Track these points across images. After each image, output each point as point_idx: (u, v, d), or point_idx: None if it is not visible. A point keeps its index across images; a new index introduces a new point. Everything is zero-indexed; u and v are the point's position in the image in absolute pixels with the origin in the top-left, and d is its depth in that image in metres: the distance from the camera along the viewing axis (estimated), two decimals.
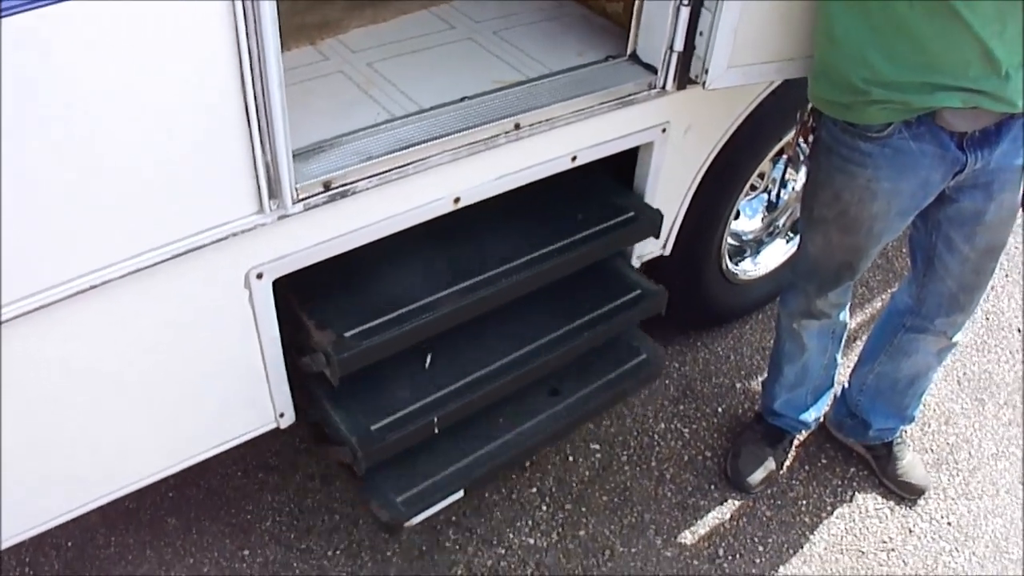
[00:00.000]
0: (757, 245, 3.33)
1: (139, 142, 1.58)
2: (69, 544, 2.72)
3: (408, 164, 1.96)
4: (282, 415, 2.23)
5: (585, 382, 2.59)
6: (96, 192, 1.58)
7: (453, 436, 2.40)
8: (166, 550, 2.71)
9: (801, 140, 2.35)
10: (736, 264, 3.23)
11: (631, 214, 2.50)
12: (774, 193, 3.26)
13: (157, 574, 2.65)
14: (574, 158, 2.27)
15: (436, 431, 2.27)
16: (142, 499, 2.81)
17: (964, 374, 3.36)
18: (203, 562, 2.68)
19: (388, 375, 2.30)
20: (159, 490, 2.83)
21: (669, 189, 2.59)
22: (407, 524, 2.29)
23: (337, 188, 1.89)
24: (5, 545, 1.97)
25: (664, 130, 2.39)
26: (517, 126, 2.09)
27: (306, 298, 2.16)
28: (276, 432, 2.49)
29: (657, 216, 2.52)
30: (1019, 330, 3.56)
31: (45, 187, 1.52)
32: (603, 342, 2.62)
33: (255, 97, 1.64)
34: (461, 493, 2.35)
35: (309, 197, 1.86)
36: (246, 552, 2.71)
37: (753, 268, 3.30)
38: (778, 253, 3.32)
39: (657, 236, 2.59)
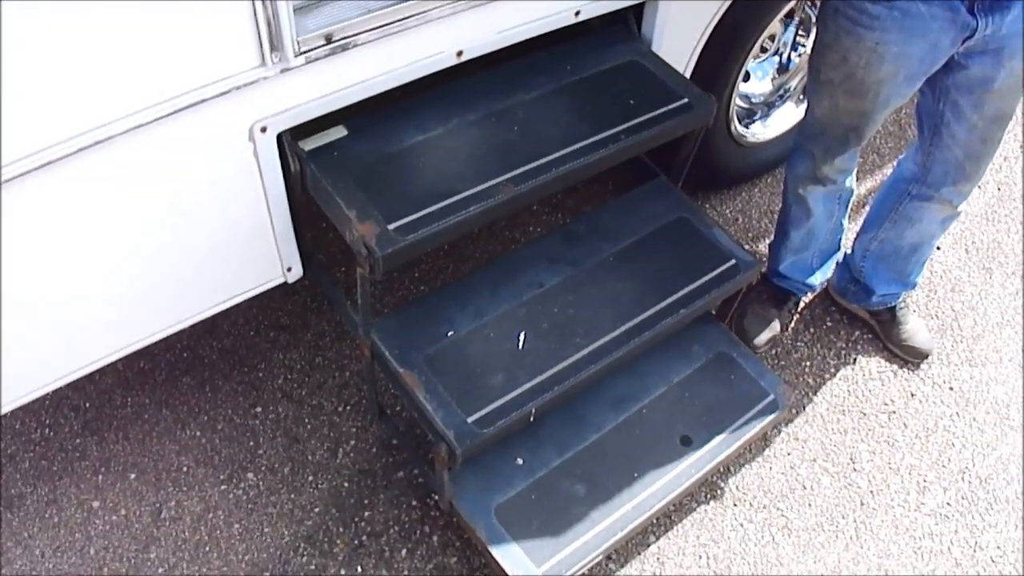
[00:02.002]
0: (767, 108, 3.30)
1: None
2: (87, 405, 2.79)
3: (408, 17, 1.96)
4: (290, 269, 2.25)
5: (715, 429, 2.48)
6: (98, 46, 1.58)
7: (590, 496, 2.32)
8: (181, 408, 2.78)
9: (808, 2, 2.31)
10: (746, 127, 3.21)
11: (685, 100, 2.40)
12: (785, 56, 3.22)
13: (173, 431, 2.73)
14: (577, 13, 2.24)
15: (532, 419, 2.16)
16: (156, 360, 2.88)
17: (972, 243, 3.36)
18: (217, 419, 2.75)
19: (478, 357, 2.21)
20: (173, 350, 2.89)
21: (675, 47, 2.56)
22: None
23: (338, 41, 1.89)
24: (22, 402, 2.02)
25: None
26: None
27: (345, 187, 2.07)
28: (288, 291, 2.54)
29: (711, 103, 2.42)
30: None
31: (45, 43, 1.52)
32: (725, 369, 2.59)
33: None
34: (600, 558, 2.27)
35: (311, 50, 1.86)
36: (258, 409, 2.77)
37: (763, 131, 3.27)
38: (788, 116, 3.29)
39: (710, 125, 2.49)
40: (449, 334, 2.24)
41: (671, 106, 2.37)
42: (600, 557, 2.27)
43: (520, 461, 2.22)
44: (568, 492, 2.32)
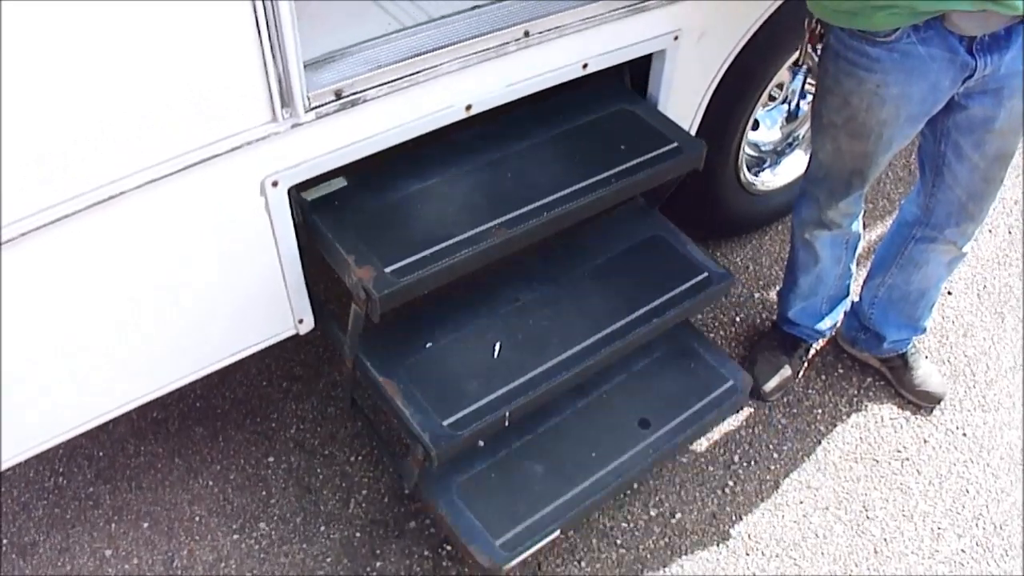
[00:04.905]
0: (776, 156, 3.31)
1: (154, 54, 1.60)
2: (100, 454, 2.81)
3: (418, 72, 1.98)
4: (301, 321, 2.27)
5: (674, 413, 2.56)
6: (113, 101, 1.60)
7: (548, 474, 2.42)
8: (193, 458, 2.79)
9: (811, 47, 2.34)
10: (755, 175, 3.23)
11: (675, 144, 2.45)
12: (793, 103, 3.24)
13: (185, 480, 2.73)
14: (585, 65, 2.27)
15: (507, 424, 2.24)
16: (169, 409, 2.89)
17: (984, 287, 3.36)
18: (229, 469, 2.76)
19: (455, 366, 2.30)
20: (186, 400, 2.91)
21: (683, 97, 2.59)
22: (507, 567, 2.25)
23: (348, 96, 1.92)
24: (36, 452, 2.03)
25: (676, 37, 2.38)
26: (527, 33, 2.09)
27: (344, 233, 2.14)
28: (300, 342, 2.55)
29: (701, 147, 2.47)
30: None
31: (60, 98, 1.55)
32: (686, 356, 2.66)
33: (265, 9, 1.66)
34: (557, 532, 2.33)
35: (321, 105, 1.89)
36: (271, 459, 2.78)
37: (772, 179, 3.29)
38: (798, 164, 3.30)
39: (701, 168, 2.53)
40: (428, 346, 2.34)
41: (661, 150, 2.43)
42: (557, 531, 2.33)
43: (481, 443, 2.27)
44: (527, 471, 2.42)
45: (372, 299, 2.03)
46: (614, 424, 2.53)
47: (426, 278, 2.08)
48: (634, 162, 2.39)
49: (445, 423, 2.17)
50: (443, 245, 2.13)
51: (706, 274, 2.56)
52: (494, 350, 2.33)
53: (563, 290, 2.50)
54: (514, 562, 2.26)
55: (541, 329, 2.39)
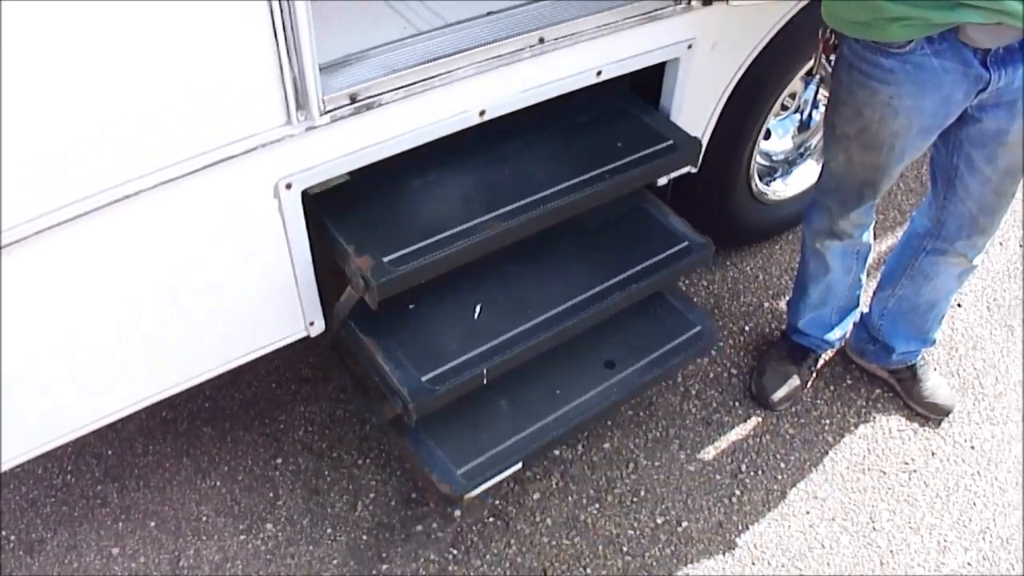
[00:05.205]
0: (788, 165, 3.32)
1: (173, 60, 1.61)
2: (109, 452, 2.82)
3: (433, 77, 1.99)
4: (312, 323, 2.27)
5: (640, 355, 2.60)
6: (130, 103, 1.61)
7: (511, 409, 2.46)
8: (202, 458, 2.80)
9: (824, 58, 2.34)
10: (767, 184, 3.23)
11: (670, 142, 2.48)
12: (806, 113, 3.24)
13: (193, 480, 2.74)
14: (599, 72, 2.27)
15: (484, 382, 2.28)
16: (178, 410, 2.90)
17: (994, 300, 3.36)
18: (237, 470, 2.77)
19: (437, 326, 2.35)
20: (195, 401, 2.92)
21: (696, 105, 2.59)
22: (468, 496, 2.32)
23: (363, 100, 1.92)
24: (46, 449, 2.04)
25: (690, 46, 2.38)
26: (541, 40, 2.10)
27: (345, 224, 2.19)
28: (310, 344, 2.56)
29: (696, 145, 2.52)
30: None
31: (78, 97, 1.55)
32: (654, 304, 2.68)
33: (282, 13, 1.67)
34: (519, 465, 2.38)
35: (336, 109, 1.89)
36: (279, 460, 2.79)
37: (784, 188, 3.29)
38: (809, 174, 3.30)
39: (695, 165, 2.58)
40: (410, 307, 2.38)
41: (657, 147, 2.47)
42: (519, 464, 2.38)
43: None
44: (492, 406, 2.47)
45: (370, 287, 2.09)
46: (579, 364, 2.57)
47: (423, 267, 2.14)
48: (629, 159, 2.43)
49: (424, 378, 2.22)
50: (440, 236, 2.18)
51: (686, 243, 2.59)
52: (475, 312, 2.38)
53: (546, 258, 2.54)
54: (475, 491, 2.33)
55: (522, 293, 2.44)
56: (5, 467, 1.99)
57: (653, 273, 2.51)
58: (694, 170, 2.67)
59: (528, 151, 2.42)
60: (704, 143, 2.71)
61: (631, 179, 2.42)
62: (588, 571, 2.57)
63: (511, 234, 2.26)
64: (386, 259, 2.11)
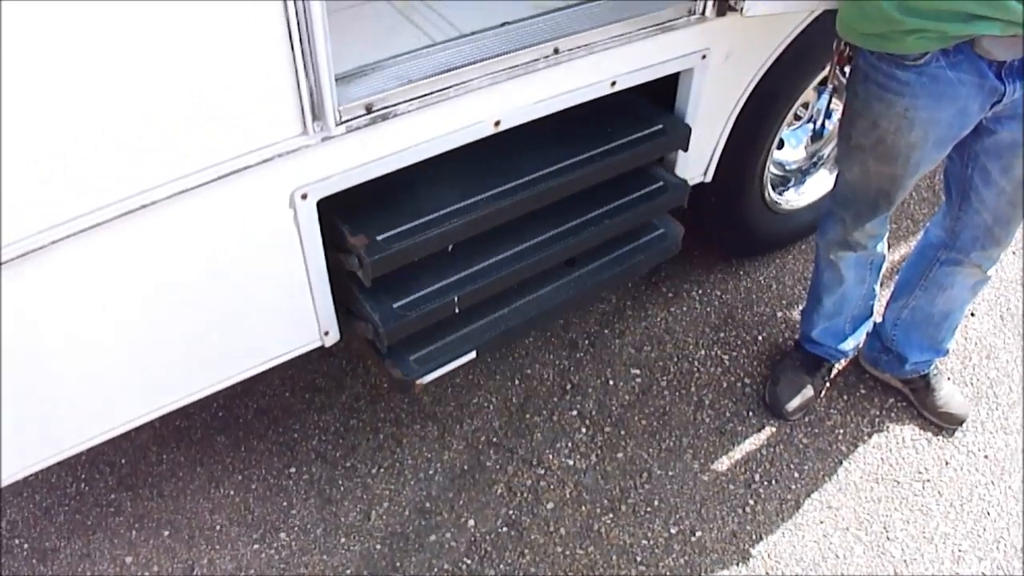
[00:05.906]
0: (801, 175, 3.32)
1: (187, 67, 1.61)
2: (123, 461, 2.83)
3: (448, 87, 1.99)
4: (327, 333, 2.28)
5: (601, 253, 2.67)
6: (148, 113, 1.62)
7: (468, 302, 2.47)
8: (215, 467, 2.81)
9: (839, 69, 2.34)
10: (780, 194, 3.23)
11: (660, 126, 2.52)
12: (819, 123, 3.25)
13: (206, 489, 2.75)
14: (613, 83, 2.28)
15: (456, 311, 2.35)
16: (192, 418, 2.91)
17: (1008, 309, 3.35)
18: (251, 478, 2.77)
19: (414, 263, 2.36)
20: (209, 409, 2.93)
21: (709, 115, 2.59)
22: (419, 382, 2.37)
23: (379, 111, 1.92)
24: (69, 454, 2.05)
25: (704, 56, 2.38)
26: (556, 50, 2.10)
27: (343, 211, 2.21)
28: (323, 353, 2.57)
29: (685, 129, 2.54)
30: None
31: (96, 108, 1.56)
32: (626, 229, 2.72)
33: (299, 23, 1.67)
34: (473, 354, 2.43)
35: (351, 119, 1.89)
36: (292, 469, 2.79)
37: (797, 198, 3.29)
38: (822, 183, 3.31)
39: (685, 149, 2.60)
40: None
41: (646, 131, 2.52)
42: (473, 353, 2.46)
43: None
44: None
45: (364, 264, 2.13)
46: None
47: (416, 245, 2.19)
48: (619, 142, 2.49)
49: (396, 305, 2.29)
50: (433, 216, 2.23)
51: (661, 183, 2.66)
52: (448, 246, 2.41)
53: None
54: (427, 378, 2.40)
55: (497, 226, 2.44)
56: (21, 476, 2.00)
57: (628, 209, 2.58)
58: (707, 180, 2.68)
59: (522, 134, 2.38)
60: (718, 153, 2.71)
61: (622, 161, 2.48)
62: None
63: (502, 214, 2.32)
64: (380, 238, 2.16)
